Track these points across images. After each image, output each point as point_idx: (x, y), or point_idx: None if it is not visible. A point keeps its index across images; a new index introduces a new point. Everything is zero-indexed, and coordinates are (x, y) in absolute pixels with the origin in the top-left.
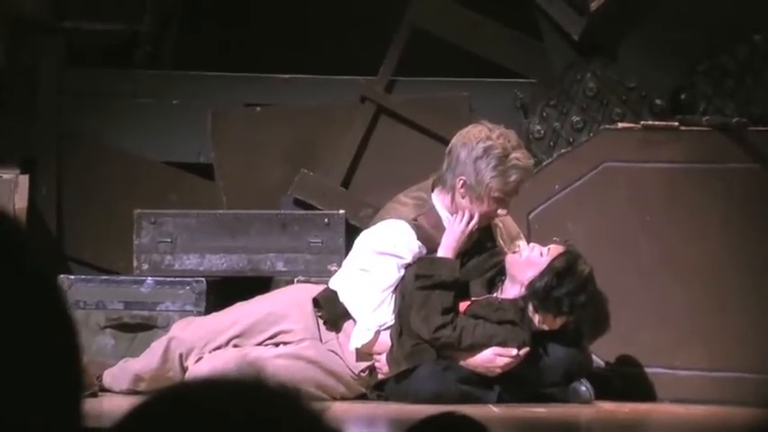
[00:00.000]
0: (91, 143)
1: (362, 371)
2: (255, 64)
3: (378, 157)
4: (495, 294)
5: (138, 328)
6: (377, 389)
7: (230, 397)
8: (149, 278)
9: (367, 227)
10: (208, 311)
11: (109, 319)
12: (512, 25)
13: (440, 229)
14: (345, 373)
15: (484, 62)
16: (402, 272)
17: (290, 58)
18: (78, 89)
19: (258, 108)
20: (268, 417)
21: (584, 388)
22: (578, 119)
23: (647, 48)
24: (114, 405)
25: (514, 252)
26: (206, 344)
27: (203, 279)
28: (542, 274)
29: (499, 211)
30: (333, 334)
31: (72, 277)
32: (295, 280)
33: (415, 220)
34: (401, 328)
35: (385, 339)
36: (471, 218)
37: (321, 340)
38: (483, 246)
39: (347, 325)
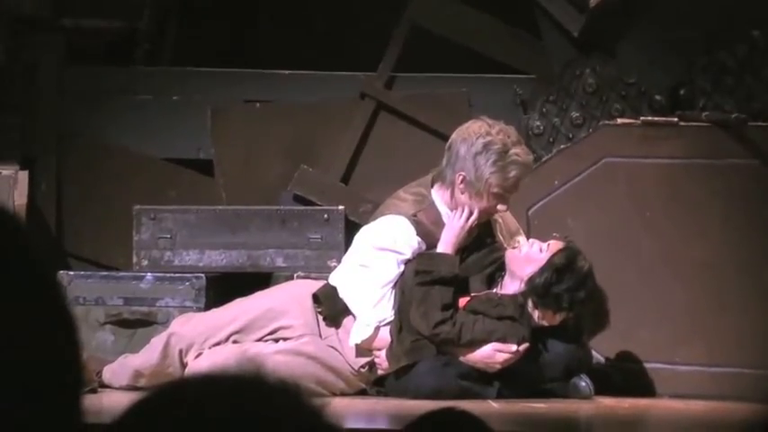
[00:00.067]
0: (91, 140)
1: (362, 367)
2: (255, 60)
3: (377, 153)
4: (494, 290)
5: (138, 324)
6: (377, 384)
7: (230, 393)
8: (149, 274)
9: (366, 223)
10: (207, 307)
11: (108, 315)
12: (511, 22)
13: (439, 224)
14: (345, 369)
15: (483, 58)
16: (402, 268)
17: (290, 54)
18: (78, 86)
19: (258, 104)
20: (268, 413)
21: (583, 383)
22: (578, 115)
23: (646, 44)
24: (114, 401)
25: (514, 248)
26: (206, 339)
27: (203, 275)
28: (542, 269)
29: (499, 207)
30: (332, 330)
31: (71, 273)
32: (295, 276)
33: (415, 215)
34: (401, 324)
35: (385, 335)
36: (471, 213)
37: (321, 336)
38: (482, 241)
39: (347, 321)
